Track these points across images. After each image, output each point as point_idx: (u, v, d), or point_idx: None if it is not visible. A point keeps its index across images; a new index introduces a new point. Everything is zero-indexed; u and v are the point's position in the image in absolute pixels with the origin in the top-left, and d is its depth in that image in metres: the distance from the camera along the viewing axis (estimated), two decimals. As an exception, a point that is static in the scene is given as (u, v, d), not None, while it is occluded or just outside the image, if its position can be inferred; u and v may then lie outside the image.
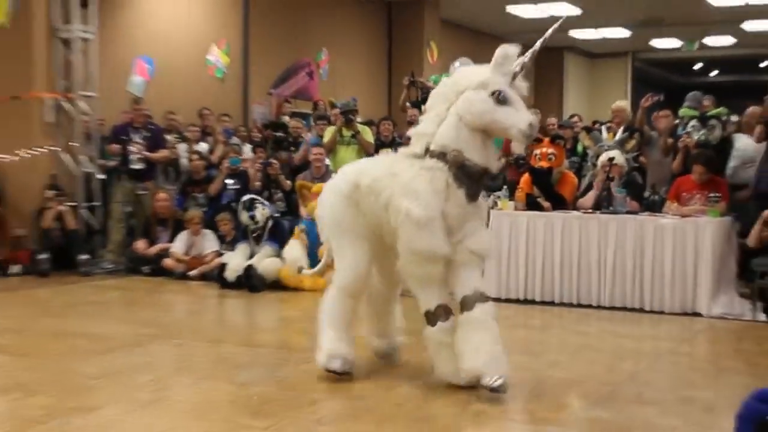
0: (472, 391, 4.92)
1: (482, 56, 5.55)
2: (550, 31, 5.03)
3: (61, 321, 7.50)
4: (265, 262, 9.31)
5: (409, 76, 12.21)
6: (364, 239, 5.21)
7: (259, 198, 9.85)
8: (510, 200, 8.98)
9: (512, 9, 18.53)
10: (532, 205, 8.82)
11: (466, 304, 4.95)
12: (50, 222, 10.48)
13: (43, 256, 10.25)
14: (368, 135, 11.07)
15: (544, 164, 8.96)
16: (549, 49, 23.07)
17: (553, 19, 17.97)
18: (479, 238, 5.07)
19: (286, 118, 12.65)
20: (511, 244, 8.65)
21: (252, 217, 9.56)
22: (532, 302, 8.49)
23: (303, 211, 9.86)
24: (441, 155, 4.96)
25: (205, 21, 14.47)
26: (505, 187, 9.46)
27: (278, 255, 9.39)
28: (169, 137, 11.65)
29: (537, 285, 8.51)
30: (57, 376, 5.37)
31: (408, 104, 12.10)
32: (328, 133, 11.02)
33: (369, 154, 10.77)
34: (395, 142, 11.02)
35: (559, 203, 8.86)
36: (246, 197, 9.82)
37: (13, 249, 10.56)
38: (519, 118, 4.83)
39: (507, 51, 4.89)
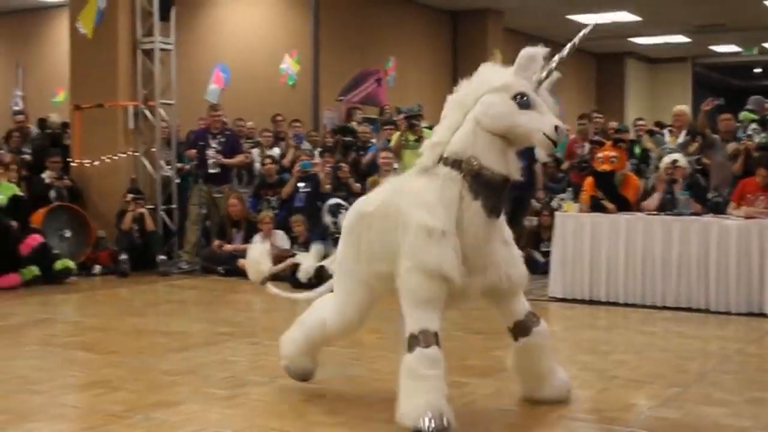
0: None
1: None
2: (577, 38, 4.51)
3: (142, 319, 7.67)
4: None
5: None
6: (360, 286, 4.67)
7: (344, 204, 9.80)
8: (574, 202, 9.07)
9: (574, 17, 18.48)
10: (596, 207, 8.86)
11: (522, 330, 4.64)
12: (130, 224, 10.72)
13: (123, 256, 10.48)
14: (433, 138, 11.27)
15: (607, 167, 9.01)
16: (610, 55, 23.22)
17: (615, 25, 18.17)
18: (518, 267, 4.62)
19: (354, 124, 12.82)
20: (576, 245, 8.66)
21: (335, 223, 9.62)
22: (597, 302, 8.48)
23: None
24: (455, 163, 4.32)
25: (277, 32, 14.90)
26: (569, 189, 9.59)
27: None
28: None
29: (602, 285, 8.51)
30: (138, 373, 5.47)
31: None
32: (394, 137, 11.24)
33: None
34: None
35: (623, 205, 8.89)
36: (333, 201, 9.94)
37: (96, 250, 10.84)
38: (543, 121, 4.22)
39: (533, 53, 4.35)
